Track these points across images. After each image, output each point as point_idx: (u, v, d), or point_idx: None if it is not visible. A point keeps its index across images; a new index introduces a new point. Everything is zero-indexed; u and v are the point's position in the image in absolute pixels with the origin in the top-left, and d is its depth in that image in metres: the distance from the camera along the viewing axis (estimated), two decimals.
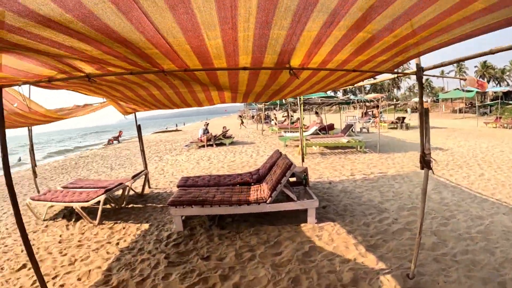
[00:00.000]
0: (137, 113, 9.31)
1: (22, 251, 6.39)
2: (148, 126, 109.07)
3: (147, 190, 10.03)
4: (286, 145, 17.88)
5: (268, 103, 31.01)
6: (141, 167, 14.03)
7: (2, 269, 5.74)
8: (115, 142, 36.08)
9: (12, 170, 4.69)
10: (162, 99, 6.05)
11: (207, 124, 22.64)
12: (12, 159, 42.19)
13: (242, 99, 6.60)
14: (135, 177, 8.82)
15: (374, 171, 10.44)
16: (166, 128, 52.92)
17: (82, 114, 8.14)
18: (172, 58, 2.97)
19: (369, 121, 32.40)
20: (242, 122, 40.42)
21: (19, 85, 4.39)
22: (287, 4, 2.17)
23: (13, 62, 3.12)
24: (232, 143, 20.94)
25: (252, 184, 7.63)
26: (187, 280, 4.60)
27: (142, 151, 10.54)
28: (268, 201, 6.11)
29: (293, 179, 7.86)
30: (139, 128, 10.21)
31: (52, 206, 8.37)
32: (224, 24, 2.38)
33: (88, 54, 2.87)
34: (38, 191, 10.13)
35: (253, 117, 52.74)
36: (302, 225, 6.19)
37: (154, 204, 8.46)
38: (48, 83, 4.22)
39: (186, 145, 22.06)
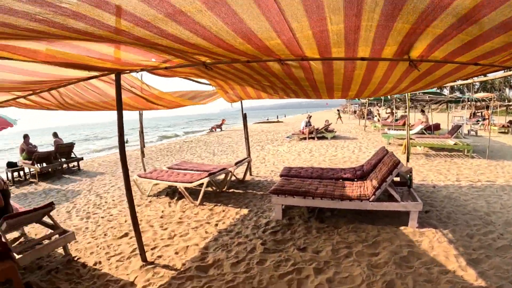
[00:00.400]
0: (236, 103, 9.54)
1: (125, 221, 6.98)
2: (250, 116, 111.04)
3: (248, 177, 10.26)
4: (389, 143, 17.29)
5: (372, 98, 30.14)
6: (243, 155, 14.35)
7: (105, 235, 6.35)
8: (217, 130, 37.32)
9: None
10: (271, 88, 6.11)
11: (310, 117, 22.53)
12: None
13: (355, 95, 6.45)
14: (238, 163, 9.08)
15: (482, 178, 9.72)
16: (267, 119, 53.40)
17: (194, 103, 8.49)
18: (292, 49, 2.95)
19: (478, 123, 30.30)
20: (340, 117, 39.87)
21: (137, 71, 4.64)
22: (415, 3, 2.11)
23: (128, 55, 3.29)
24: (334, 138, 20.61)
25: (355, 180, 7.45)
26: (281, 268, 4.64)
27: (246, 138, 10.77)
28: (371, 199, 5.92)
29: (396, 179, 7.59)
30: (245, 116, 10.40)
31: (157, 184, 8.92)
32: (349, 10, 2.30)
33: (209, 51, 2.96)
34: (145, 170, 10.76)
35: (355, 112, 51.63)
36: (402, 228, 5.90)
37: (254, 191, 8.63)
38: (164, 70, 4.42)
39: (287, 137, 22.15)
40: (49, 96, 6.41)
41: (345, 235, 5.62)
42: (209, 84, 7.04)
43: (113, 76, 5.08)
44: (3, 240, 4.84)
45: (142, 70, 4.60)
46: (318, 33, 2.66)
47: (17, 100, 6.55)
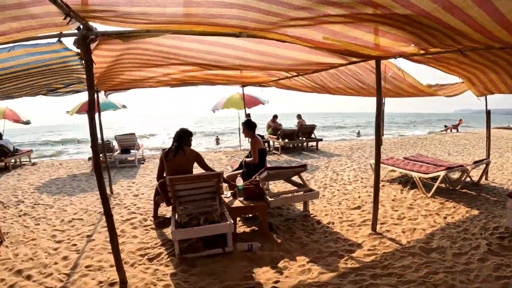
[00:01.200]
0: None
1: (359, 197, 8.10)
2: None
3: (483, 182, 9.90)
4: None
5: None
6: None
7: (340, 204, 7.67)
8: (453, 130, 35.53)
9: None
10: None
11: None
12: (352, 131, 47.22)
13: None
14: (476, 163, 8.95)
15: None
16: (508, 126, 46.96)
17: (445, 93, 8.79)
18: None
19: None
20: None
21: (395, 58, 5.18)
22: None
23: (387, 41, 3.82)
24: None
25: None
26: (500, 271, 4.70)
27: (488, 138, 10.30)
28: None
29: None
30: (488, 113, 9.97)
31: (392, 170, 9.65)
32: None
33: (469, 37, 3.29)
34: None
35: None
36: None
37: (487, 196, 8.42)
38: (420, 56, 4.85)
39: None
40: (309, 79, 7.50)
41: None
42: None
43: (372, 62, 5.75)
44: (261, 185, 6.08)
45: (400, 56, 5.07)
46: None
47: (280, 81, 7.80)
